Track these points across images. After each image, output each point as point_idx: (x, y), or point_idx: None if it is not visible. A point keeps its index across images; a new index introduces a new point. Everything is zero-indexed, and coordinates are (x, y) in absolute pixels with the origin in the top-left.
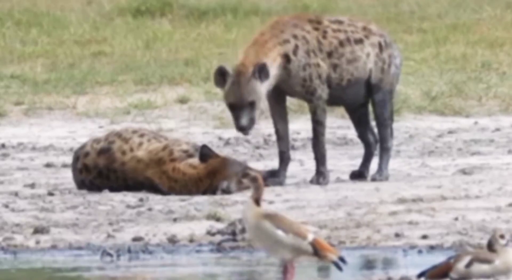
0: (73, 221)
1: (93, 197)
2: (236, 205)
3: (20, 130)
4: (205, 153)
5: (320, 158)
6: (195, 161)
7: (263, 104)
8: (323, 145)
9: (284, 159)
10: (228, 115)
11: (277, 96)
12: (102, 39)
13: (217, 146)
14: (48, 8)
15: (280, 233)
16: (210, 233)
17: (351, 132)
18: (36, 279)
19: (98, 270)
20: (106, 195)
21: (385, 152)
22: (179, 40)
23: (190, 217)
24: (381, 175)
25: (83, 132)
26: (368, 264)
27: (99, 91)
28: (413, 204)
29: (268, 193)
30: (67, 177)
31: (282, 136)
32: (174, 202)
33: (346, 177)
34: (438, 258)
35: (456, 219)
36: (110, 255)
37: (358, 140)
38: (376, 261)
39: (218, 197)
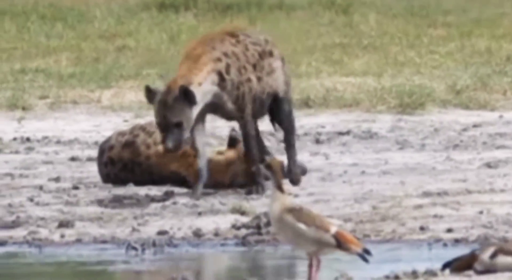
0: (98, 215)
1: (118, 190)
2: (260, 199)
3: (45, 124)
4: (234, 136)
5: (257, 169)
6: (220, 148)
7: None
8: (257, 156)
9: (201, 176)
10: None
11: (202, 114)
12: (127, 33)
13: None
14: (72, 2)
15: (301, 226)
16: (235, 227)
17: (376, 126)
18: (61, 273)
19: (123, 264)
20: (131, 188)
21: (293, 150)
22: (204, 34)
23: (215, 211)
24: (293, 174)
25: (108, 126)
26: (393, 258)
27: (123, 85)
28: (438, 198)
29: (293, 187)
30: (92, 170)
31: (202, 153)
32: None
33: (371, 170)
34: (462, 252)
35: (481, 212)
36: (135, 248)
37: (383, 133)
38: (401, 254)
39: (243, 191)
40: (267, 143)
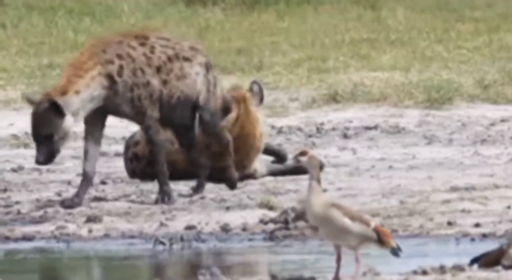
0: (126, 210)
1: (146, 185)
2: (288, 194)
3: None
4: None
5: (161, 178)
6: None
7: (71, 129)
8: (162, 163)
9: (87, 180)
10: (280, 104)
11: (97, 117)
12: (154, 27)
13: (270, 135)
14: None
15: (347, 220)
16: (262, 222)
17: (404, 121)
18: (89, 268)
19: (150, 259)
20: None
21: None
22: (231, 29)
23: (242, 206)
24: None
25: None
26: (421, 253)
27: None
28: (465, 192)
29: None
30: (120, 165)
31: (89, 158)
32: (227, 191)
33: (398, 165)
34: (490, 247)
35: (509, 207)
36: (162, 243)
37: (411, 128)
38: (428, 249)
39: (271, 186)
40: (295, 138)
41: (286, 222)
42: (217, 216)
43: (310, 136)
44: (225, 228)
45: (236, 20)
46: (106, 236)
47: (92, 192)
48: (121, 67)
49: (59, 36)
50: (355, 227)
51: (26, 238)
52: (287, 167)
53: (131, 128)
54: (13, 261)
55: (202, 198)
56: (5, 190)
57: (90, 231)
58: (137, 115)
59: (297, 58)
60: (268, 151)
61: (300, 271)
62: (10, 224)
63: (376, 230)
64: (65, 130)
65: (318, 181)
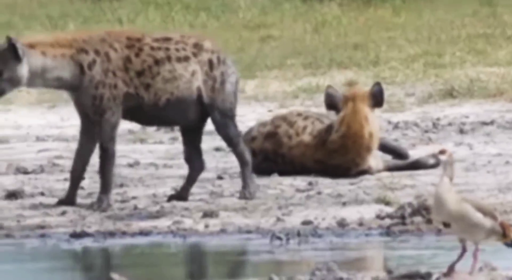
0: (242, 205)
1: (262, 180)
2: (405, 189)
3: None
4: (331, 93)
5: (103, 185)
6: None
7: (24, 78)
8: (109, 172)
9: (74, 178)
10: (396, 99)
11: (84, 111)
12: (271, 23)
13: (386, 130)
14: None
15: (479, 216)
16: (379, 217)
17: None
18: (205, 263)
19: (267, 254)
20: (276, 178)
21: (245, 166)
22: (348, 24)
23: (359, 201)
24: (248, 190)
25: (252, 116)
26: None
27: (267, 75)
28: None
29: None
30: (236, 160)
31: (79, 153)
32: (344, 186)
33: None
34: None
35: None
36: (279, 238)
37: None
38: None
39: (387, 181)
40: (411, 133)
41: (402, 217)
42: (333, 211)
43: (426, 131)
44: (341, 223)
45: (353, 15)
46: (223, 231)
47: (209, 187)
48: (94, 61)
49: (175, 31)
50: (487, 222)
51: (143, 233)
52: (405, 162)
53: (248, 123)
54: (130, 256)
55: (319, 193)
56: (121, 185)
57: (206, 226)
58: (95, 115)
59: (413, 53)
60: (386, 148)
61: (416, 266)
62: (127, 219)
63: (501, 224)
64: (15, 74)
65: (451, 178)
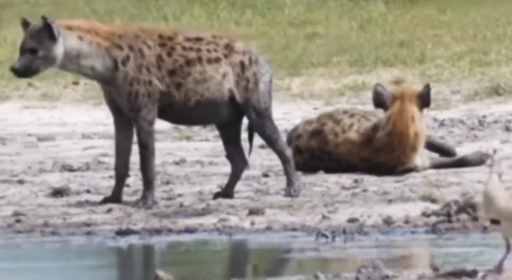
0: (288, 203)
1: (308, 178)
2: (451, 186)
3: None
4: (379, 91)
5: (146, 182)
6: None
7: (58, 59)
8: (151, 169)
9: (118, 176)
10: (442, 97)
11: (116, 106)
12: (317, 20)
13: (432, 128)
14: None
15: None
16: (425, 215)
17: None
18: (251, 261)
19: (313, 252)
20: (321, 176)
21: (287, 164)
22: (393, 22)
23: (405, 198)
24: (293, 188)
25: (298, 113)
26: None
27: (313, 73)
28: None
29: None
30: None
31: (118, 151)
32: (389, 183)
33: None
34: None
35: None
36: (325, 236)
37: None
38: None
39: (433, 178)
40: (457, 131)
41: (448, 214)
42: (379, 208)
43: (472, 129)
44: (387, 221)
45: (398, 13)
46: (268, 228)
47: (255, 184)
48: (127, 57)
49: (220, 28)
50: None
51: (189, 230)
52: (451, 160)
53: (293, 121)
54: (176, 254)
55: (365, 190)
56: (167, 183)
57: (252, 223)
58: (131, 112)
59: (459, 51)
60: (432, 146)
61: (462, 264)
62: (173, 217)
63: None
64: (50, 54)
65: (500, 175)
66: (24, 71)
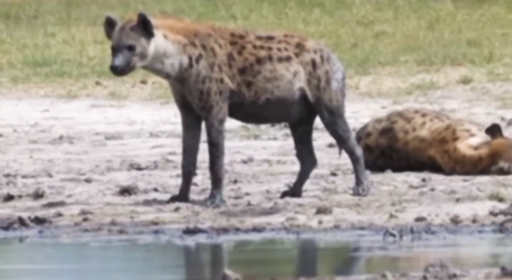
0: (356, 201)
1: (376, 177)
2: None
3: None
4: (494, 130)
5: (215, 181)
6: (476, 140)
7: (149, 57)
8: (220, 167)
9: (185, 174)
10: (510, 96)
11: (185, 105)
12: (385, 19)
13: None
14: None
15: None
16: (492, 214)
17: None
18: (318, 259)
19: (380, 250)
20: (389, 175)
21: (357, 163)
22: (462, 20)
23: (472, 197)
24: (361, 187)
25: (366, 112)
26: None
27: (381, 72)
28: None
29: None
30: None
31: (185, 149)
32: (457, 182)
33: None
34: None
35: None
36: (393, 235)
37: None
38: None
39: (501, 178)
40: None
41: None
42: (447, 207)
43: None
44: (455, 220)
45: (467, 11)
46: (336, 227)
47: (322, 183)
48: (200, 55)
49: (289, 27)
50: None
51: (256, 229)
52: None
53: (361, 120)
54: (244, 252)
55: (432, 189)
56: (235, 182)
57: (320, 222)
58: (203, 111)
59: None
60: None
61: None
62: (240, 216)
63: None
64: (145, 50)
65: None
66: (123, 69)
